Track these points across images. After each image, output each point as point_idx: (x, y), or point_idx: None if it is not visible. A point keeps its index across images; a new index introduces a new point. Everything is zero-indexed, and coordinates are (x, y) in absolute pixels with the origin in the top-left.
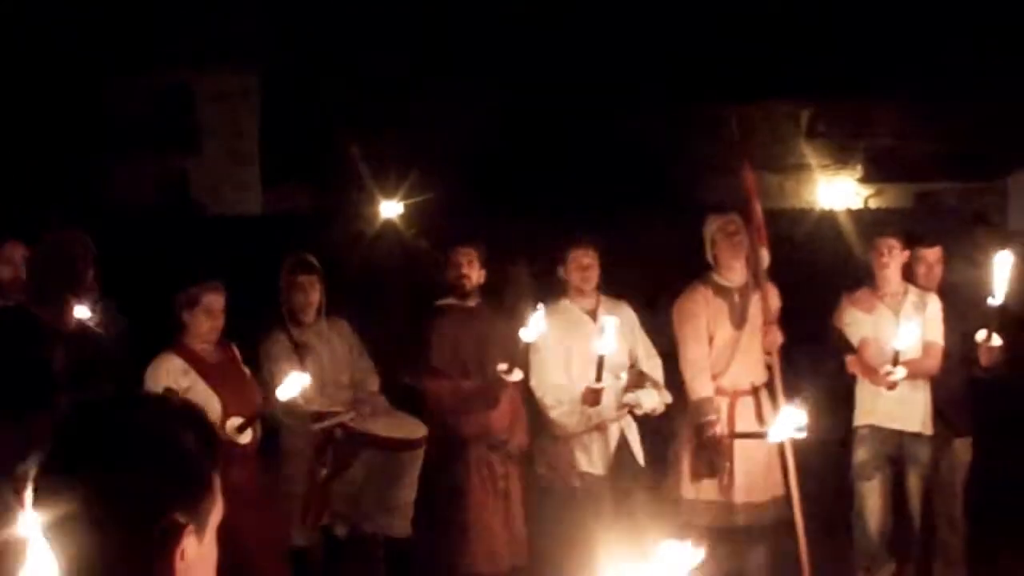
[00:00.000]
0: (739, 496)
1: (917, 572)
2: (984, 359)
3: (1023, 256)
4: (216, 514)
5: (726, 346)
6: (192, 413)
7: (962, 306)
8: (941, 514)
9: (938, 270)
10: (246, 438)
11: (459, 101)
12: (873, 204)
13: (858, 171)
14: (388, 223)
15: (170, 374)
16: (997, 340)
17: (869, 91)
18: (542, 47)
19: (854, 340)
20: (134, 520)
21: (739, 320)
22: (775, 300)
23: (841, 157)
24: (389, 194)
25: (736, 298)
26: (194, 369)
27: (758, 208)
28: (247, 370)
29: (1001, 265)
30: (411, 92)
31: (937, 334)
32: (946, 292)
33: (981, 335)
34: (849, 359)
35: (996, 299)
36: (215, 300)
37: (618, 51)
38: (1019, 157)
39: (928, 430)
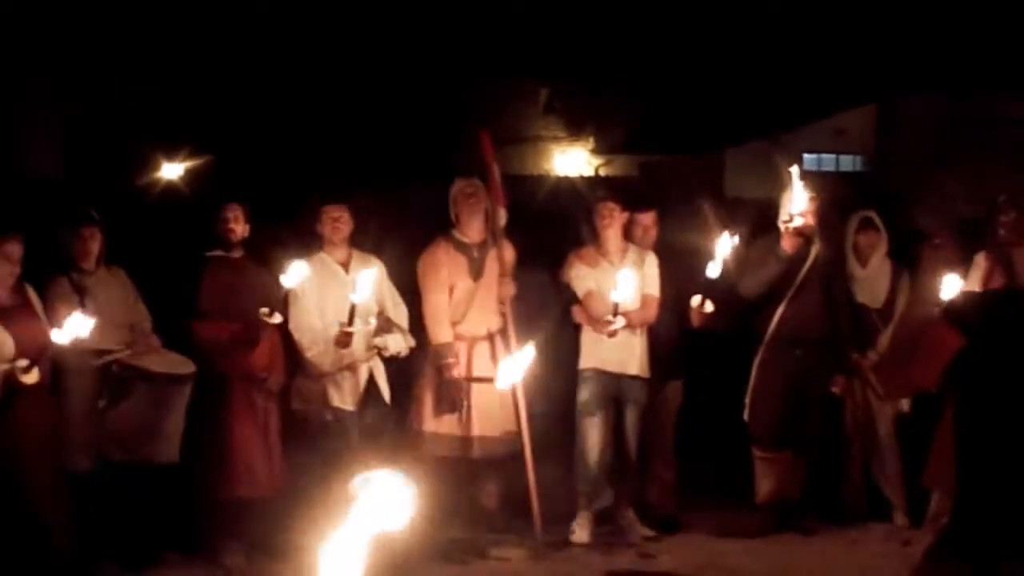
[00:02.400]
0: (475, 430)
1: (634, 501)
2: (696, 321)
3: (746, 224)
4: None
5: (464, 296)
6: None
7: (677, 264)
8: (655, 448)
9: (653, 232)
10: (32, 378)
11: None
12: (603, 173)
13: (590, 144)
14: (169, 182)
15: None
16: (710, 307)
17: (601, 72)
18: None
19: (579, 292)
20: None
21: (476, 273)
22: (510, 255)
23: (575, 131)
24: (171, 157)
25: (474, 253)
26: None
27: (496, 172)
28: (41, 314)
29: (722, 244)
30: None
31: (654, 288)
32: (662, 251)
33: (696, 300)
34: (575, 309)
35: (713, 271)
36: (13, 249)
37: (381, 27)
38: (735, 133)
39: (645, 373)
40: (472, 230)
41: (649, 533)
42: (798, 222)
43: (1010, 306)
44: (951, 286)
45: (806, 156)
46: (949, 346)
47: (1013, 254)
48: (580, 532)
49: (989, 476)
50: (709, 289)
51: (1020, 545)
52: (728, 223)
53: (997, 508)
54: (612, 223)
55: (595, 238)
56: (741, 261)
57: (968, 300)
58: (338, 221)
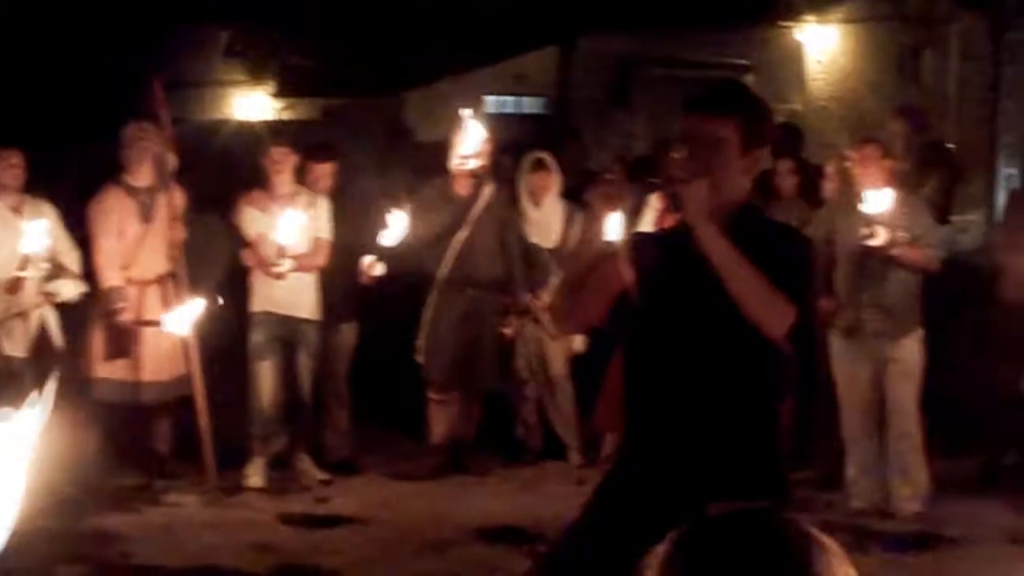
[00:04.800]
0: (145, 375)
1: (308, 444)
2: (365, 280)
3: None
4: None
5: (135, 240)
6: None
7: (352, 209)
8: (329, 390)
9: (327, 179)
10: None
11: None
12: (284, 117)
13: (271, 87)
14: None
15: None
16: (380, 269)
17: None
18: None
19: (249, 236)
20: None
21: (146, 217)
22: (180, 200)
23: (256, 74)
24: None
25: (144, 197)
26: None
27: (166, 117)
28: None
29: (396, 217)
30: None
31: (325, 232)
32: (338, 196)
33: (367, 261)
34: (245, 252)
35: (388, 239)
36: None
37: None
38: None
39: (316, 316)
40: (142, 174)
41: (324, 476)
42: (470, 164)
43: (676, 245)
44: (616, 223)
45: (488, 99)
46: (616, 283)
47: (683, 192)
48: (254, 477)
49: (648, 419)
50: (381, 253)
51: (677, 491)
52: (407, 167)
53: (656, 451)
54: (283, 168)
55: (267, 182)
56: (414, 205)
57: (637, 238)
58: (12, 166)
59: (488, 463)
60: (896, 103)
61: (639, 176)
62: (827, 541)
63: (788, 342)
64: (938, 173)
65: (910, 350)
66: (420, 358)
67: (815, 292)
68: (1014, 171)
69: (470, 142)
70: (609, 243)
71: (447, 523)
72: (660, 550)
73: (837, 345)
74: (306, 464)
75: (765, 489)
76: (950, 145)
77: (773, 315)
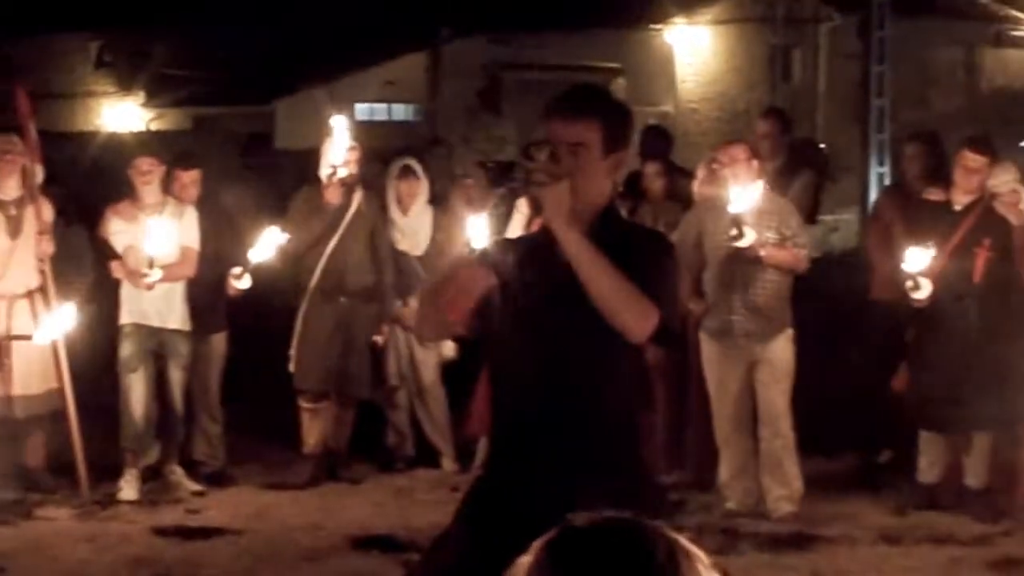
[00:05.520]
0: (16, 389)
1: (180, 456)
2: (232, 292)
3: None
4: None
5: (3, 255)
6: None
7: (219, 218)
8: (201, 401)
9: (192, 189)
10: None
11: None
12: (154, 127)
13: (140, 97)
14: None
15: None
16: (247, 282)
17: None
18: None
19: (118, 247)
20: None
21: (14, 231)
22: (48, 213)
23: (126, 84)
24: None
25: (12, 211)
26: None
27: (32, 130)
28: None
29: (268, 234)
30: None
31: (192, 241)
32: (205, 205)
33: (236, 272)
34: (114, 264)
35: (256, 256)
36: None
37: None
38: (286, 84)
39: (186, 326)
40: (8, 187)
41: (197, 488)
42: (341, 173)
43: (538, 249)
44: (476, 227)
45: (358, 106)
46: (478, 289)
47: (543, 196)
48: (127, 489)
49: (513, 425)
50: (249, 264)
51: (542, 499)
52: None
53: (521, 458)
54: (149, 178)
55: (134, 192)
56: (284, 214)
57: (499, 243)
58: None
59: (362, 471)
60: (765, 104)
61: (503, 179)
62: (693, 548)
63: (656, 346)
64: (807, 173)
65: (781, 351)
66: (292, 367)
67: (679, 295)
68: (886, 170)
69: (340, 150)
70: (469, 247)
71: (321, 533)
72: (524, 560)
73: (708, 347)
74: (179, 476)
75: (632, 496)
76: (822, 145)
77: (635, 319)
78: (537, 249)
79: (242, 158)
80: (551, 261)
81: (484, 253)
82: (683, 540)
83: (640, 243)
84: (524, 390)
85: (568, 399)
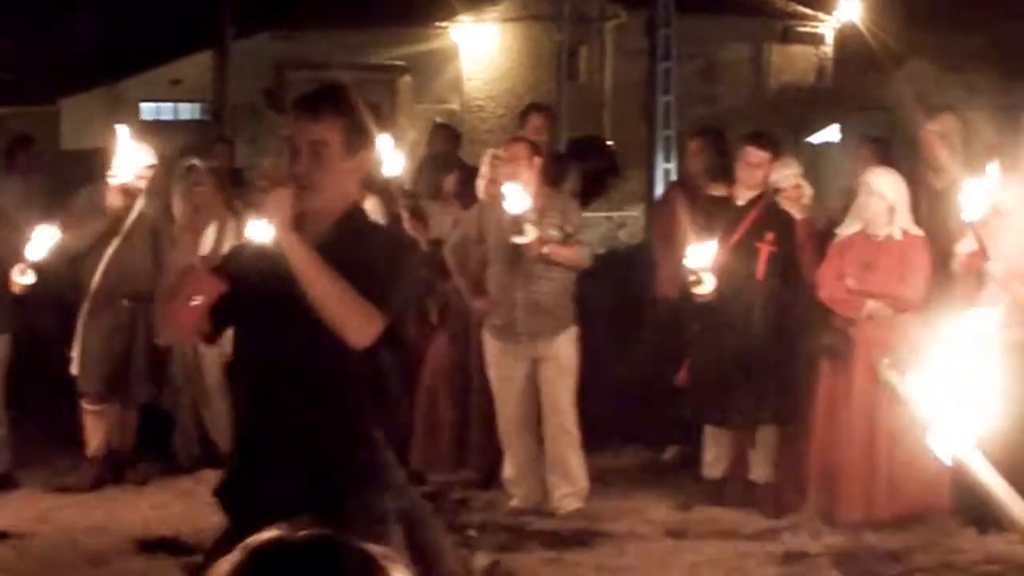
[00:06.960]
0: None
1: None
2: (17, 289)
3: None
4: None
5: None
6: None
7: (3, 218)
8: None
9: None
10: None
11: None
12: None
13: None
14: None
15: None
16: (31, 278)
17: None
18: None
19: None
20: None
21: None
22: None
23: None
24: None
25: None
26: None
27: None
28: None
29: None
30: None
31: None
32: None
33: (18, 269)
34: None
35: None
36: None
37: None
38: (71, 83)
39: None
40: None
41: None
42: (123, 174)
43: (269, 254)
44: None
45: (144, 105)
46: (209, 293)
47: (266, 200)
48: None
49: (247, 427)
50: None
51: (266, 503)
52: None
53: (251, 461)
54: None
55: None
56: (66, 215)
57: (234, 247)
58: None
59: (147, 473)
60: (552, 100)
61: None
62: (391, 565)
63: (386, 348)
64: (581, 168)
65: (565, 348)
66: (74, 370)
67: (414, 298)
68: (672, 166)
69: (124, 152)
70: (199, 251)
71: (105, 536)
72: (225, 561)
73: (491, 345)
74: None
75: (351, 501)
76: (609, 142)
77: (354, 323)
78: (267, 254)
79: (26, 157)
80: (278, 266)
81: (221, 258)
82: (383, 558)
83: (379, 245)
84: (252, 393)
85: (289, 403)
